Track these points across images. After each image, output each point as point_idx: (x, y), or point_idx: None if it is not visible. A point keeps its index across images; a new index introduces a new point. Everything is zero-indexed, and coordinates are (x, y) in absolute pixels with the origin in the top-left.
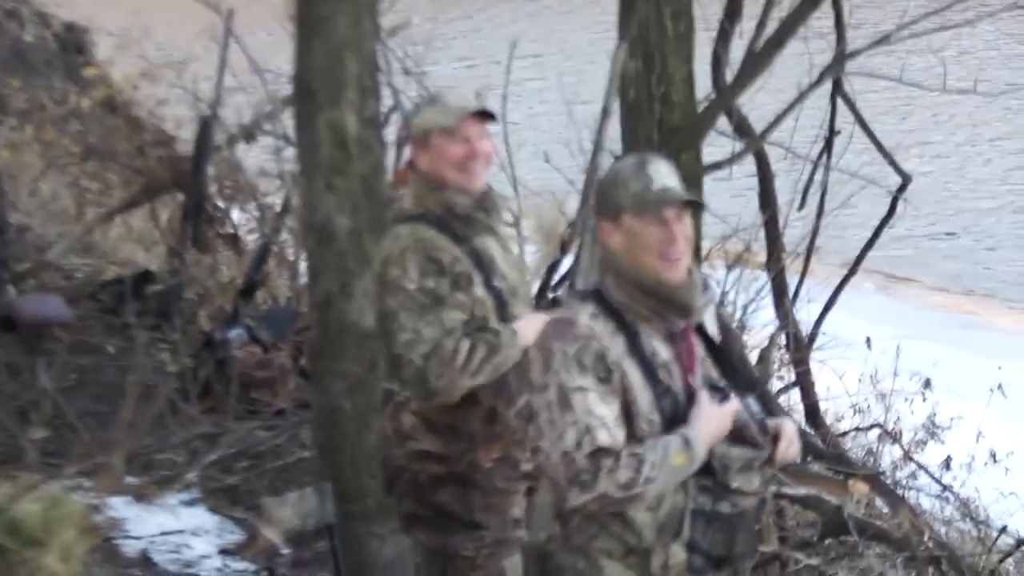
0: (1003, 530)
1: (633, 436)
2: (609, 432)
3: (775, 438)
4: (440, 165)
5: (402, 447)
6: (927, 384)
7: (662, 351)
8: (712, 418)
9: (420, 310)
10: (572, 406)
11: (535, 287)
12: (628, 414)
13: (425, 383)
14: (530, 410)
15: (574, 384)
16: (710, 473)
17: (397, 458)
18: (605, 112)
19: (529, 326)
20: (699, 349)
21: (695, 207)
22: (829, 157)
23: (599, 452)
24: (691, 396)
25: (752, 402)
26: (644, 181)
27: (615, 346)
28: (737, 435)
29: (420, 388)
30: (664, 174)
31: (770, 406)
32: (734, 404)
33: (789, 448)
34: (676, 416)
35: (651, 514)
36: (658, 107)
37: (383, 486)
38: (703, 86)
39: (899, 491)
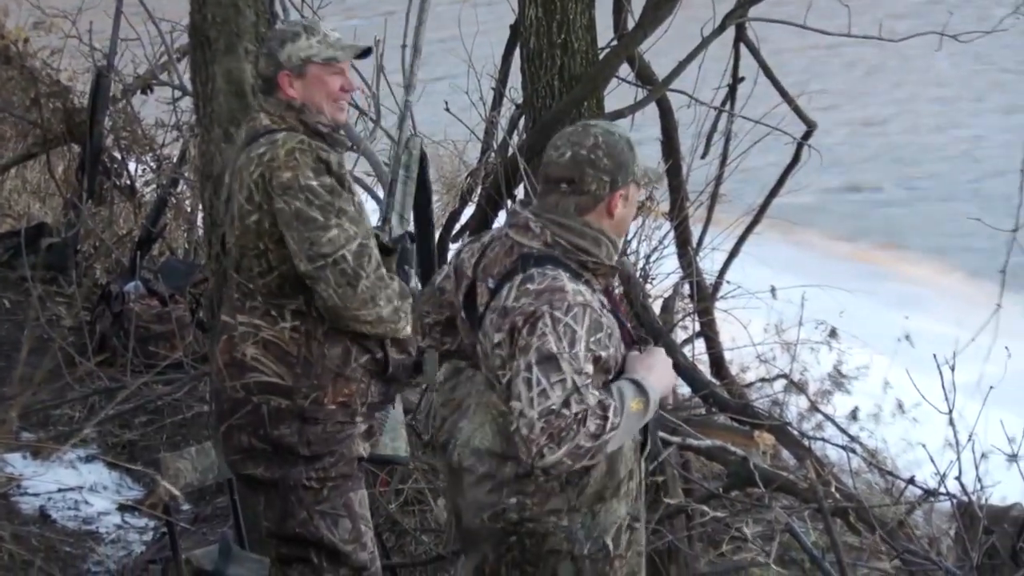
0: (911, 481)
1: None
2: (594, 393)
3: None
4: (314, 95)
5: (239, 378)
6: (833, 334)
7: (606, 304)
8: (664, 367)
9: (330, 207)
10: (560, 366)
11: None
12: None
13: (356, 282)
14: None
15: (561, 349)
16: None
17: (232, 390)
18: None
19: None
20: None
21: None
22: (732, 104)
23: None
24: (628, 345)
25: None
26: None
27: (598, 305)
28: None
29: (349, 287)
30: None
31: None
32: None
33: None
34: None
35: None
36: (559, 55)
37: (215, 420)
38: (605, 33)
39: (806, 442)
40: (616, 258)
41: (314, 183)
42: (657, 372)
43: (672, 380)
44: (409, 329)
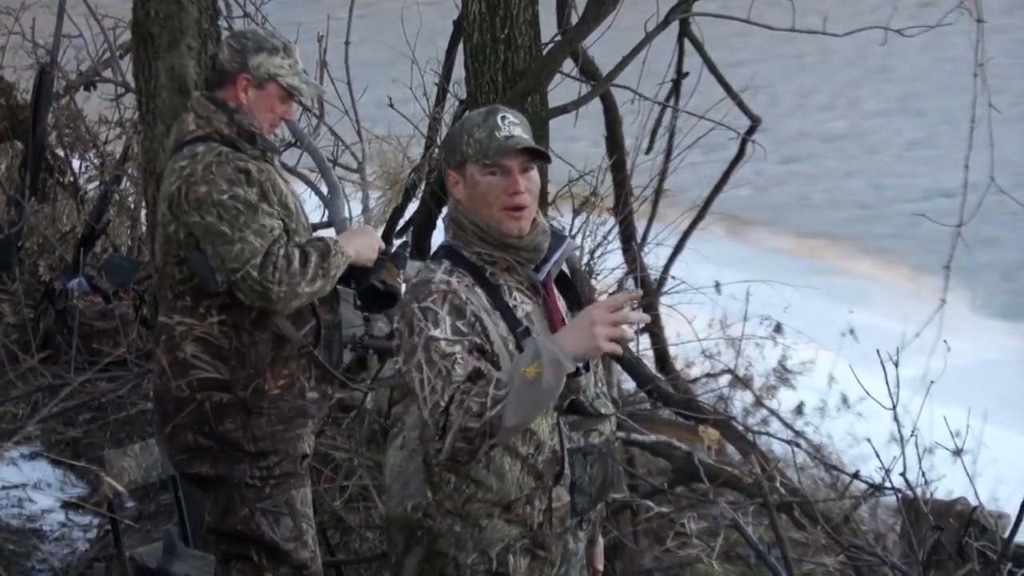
0: (856, 475)
1: None
2: (464, 365)
3: None
4: (260, 110)
5: (184, 377)
6: (778, 329)
7: (525, 303)
8: (578, 329)
9: (237, 219)
10: (433, 358)
11: (380, 231)
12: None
13: (267, 294)
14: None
15: (431, 334)
16: (575, 410)
17: (177, 389)
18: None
19: (352, 237)
20: (562, 304)
21: (538, 157)
22: (677, 99)
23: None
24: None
25: None
26: (488, 129)
27: (474, 299)
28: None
29: (262, 299)
30: (511, 123)
31: None
32: None
33: None
34: None
35: (530, 460)
36: (502, 50)
37: (159, 421)
38: (548, 28)
39: (750, 437)
40: (500, 254)
41: (225, 197)
42: (569, 335)
43: (592, 343)
44: (331, 286)
